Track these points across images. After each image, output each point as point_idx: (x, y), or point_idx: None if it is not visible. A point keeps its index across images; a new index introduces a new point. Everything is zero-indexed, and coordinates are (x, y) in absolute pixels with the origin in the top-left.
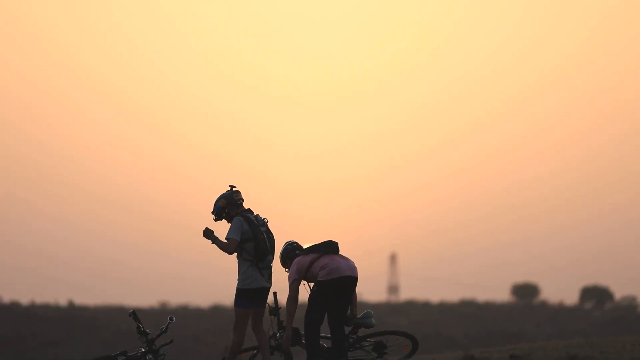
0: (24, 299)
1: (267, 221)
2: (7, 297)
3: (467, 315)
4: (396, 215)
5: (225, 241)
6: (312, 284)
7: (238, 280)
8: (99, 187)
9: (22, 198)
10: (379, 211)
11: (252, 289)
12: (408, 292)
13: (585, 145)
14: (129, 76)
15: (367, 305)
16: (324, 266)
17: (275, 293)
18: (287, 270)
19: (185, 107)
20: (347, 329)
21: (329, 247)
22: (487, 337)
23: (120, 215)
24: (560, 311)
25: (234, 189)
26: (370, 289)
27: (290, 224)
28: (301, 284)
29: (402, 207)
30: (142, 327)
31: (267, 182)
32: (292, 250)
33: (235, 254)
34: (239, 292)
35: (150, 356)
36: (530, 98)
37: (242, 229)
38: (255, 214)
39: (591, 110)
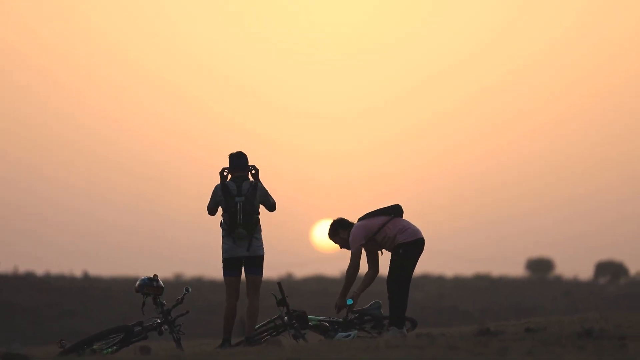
0: (39, 270)
1: (251, 187)
2: (23, 268)
3: (481, 290)
4: (409, 189)
5: None
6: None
7: None
8: (114, 156)
9: (36, 167)
10: (392, 184)
11: (225, 259)
12: (422, 266)
13: (600, 115)
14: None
15: (380, 280)
16: (403, 228)
17: (279, 283)
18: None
19: (212, 77)
20: (351, 316)
21: (398, 211)
22: (501, 311)
23: (135, 186)
24: (574, 286)
25: (235, 153)
26: (384, 264)
27: (297, 190)
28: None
29: (416, 181)
30: (159, 298)
31: (277, 150)
32: (340, 223)
33: None
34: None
35: (166, 327)
36: (541, 66)
37: (216, 197)
38: (248, 181)
39: (602, 79)
